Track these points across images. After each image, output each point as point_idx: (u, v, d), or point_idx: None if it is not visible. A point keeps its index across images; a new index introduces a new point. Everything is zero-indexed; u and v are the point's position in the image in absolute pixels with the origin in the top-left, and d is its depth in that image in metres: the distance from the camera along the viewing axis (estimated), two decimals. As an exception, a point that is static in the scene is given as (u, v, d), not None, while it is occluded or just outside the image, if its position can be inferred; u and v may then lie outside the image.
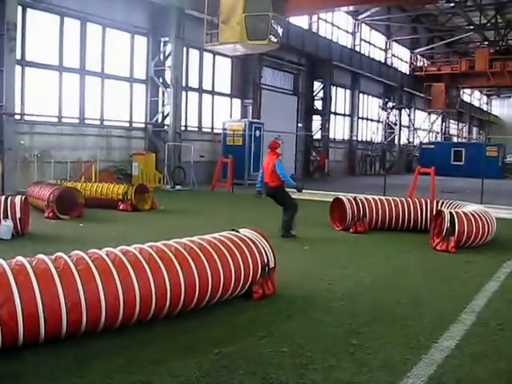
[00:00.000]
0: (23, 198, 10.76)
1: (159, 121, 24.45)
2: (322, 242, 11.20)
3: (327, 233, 12.25)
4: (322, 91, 36.28)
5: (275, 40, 22.69)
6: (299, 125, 34.49)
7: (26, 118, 19.32)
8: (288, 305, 6.41)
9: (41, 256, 5.01)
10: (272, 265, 6.62)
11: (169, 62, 24.00)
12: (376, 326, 5.74)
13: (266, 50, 24.43)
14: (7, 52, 17.53)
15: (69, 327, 4.74)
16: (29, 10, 19.18)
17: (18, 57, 18.51)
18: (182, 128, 25.07)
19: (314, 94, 36.33)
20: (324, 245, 10.85)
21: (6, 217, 10.16)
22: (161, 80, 24.18)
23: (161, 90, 24.38)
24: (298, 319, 5.92)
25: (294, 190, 12.14)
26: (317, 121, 36.38)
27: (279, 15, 22.34)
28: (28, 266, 4.68)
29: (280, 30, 23.07)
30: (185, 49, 24.97)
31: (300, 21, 32.46)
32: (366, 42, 42.63)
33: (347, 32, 39.87)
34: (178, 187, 22.55)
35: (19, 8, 18.30)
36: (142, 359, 4.66)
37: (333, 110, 38.54)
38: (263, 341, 5.17)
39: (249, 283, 6.36)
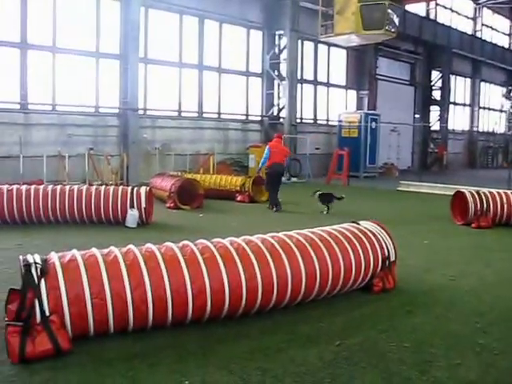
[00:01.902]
0: (148, 188, 11.27)
1: (275, 113, 24.67)
2: (443, 236, 10.80)
3: (448, 227, 11.80)
4: (440, 80, 34.99)
5: (392, 29, 22.17)
6: (416, 116, 33.50)
7: (149, 112, 20.21)
8: (409, 299, 6.26)
9: (168, 244, 5.22)
10: (393, 258, 6.49)
11: (284, 55, 24.13)
12: (504, 326, 5.45)
13: (382, 39, 23.89)
14: (132, 51, 18.44)
15: (194, 312, 4.91)
16: (150, 10, 20.00)
17: (141, 55, 19.36)
18: (298, 120, 25.15)
19: (432, 83, 35.10)
20: (444, 239, 10.46)
21: (132, 206, 10.69)
22: (276, 73, 24.36)
23: (276, 82, 24.57)
24: (420, 314, 5.76)
25: None
26: (435, 111, 35.14)
27: (395, 3, 21.80)
28: (157, 253, 4.90)
29: (396, 19, 22.51)
30: (299, 41, 25.00)
31: (417, 8, 31.45)
32: (487, 27, 40.53)
33: (467, 17, 38.16)
34: (293, 179, 22.65)
35: (142, 9, 19.14)
36: (264, 347, 4.73)
37: (452, 99, 37.01)
38: (384, 335, 5.09)
39: (369, 276, 6.28)
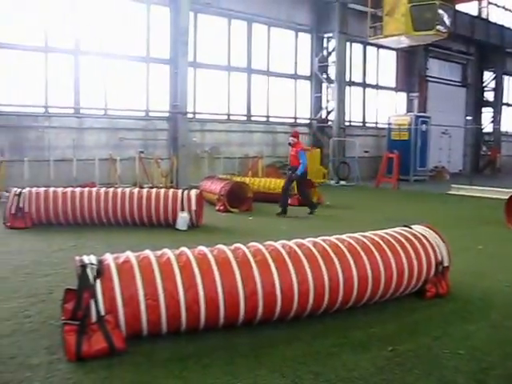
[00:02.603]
0: (198, 191, 11.38)
1: (323, 116, 24.57)
2: (497, 241, 10.51)
3: (502, 232, 11.48)
4: (493, 81, 34.18)
5: (443, 29, 21.83)
6: (468, 118, 32.79)
7: (198, 116, 20.41)
8: (463, 305, 6.12)
9: (220, 246, 5.26)
10: (446, 263, 6.36)
11: (332, 58, 24.04)
12: None
13: (432, 40, 23.56)
14: (181, 55, 18.68)
15: (246, 314, 4.92)
16: (199, 15, 20.22)
17: (191, 59, 19.58)
18: (346, 123, 24.97)
19: (484, 84, 34.33)
20: (499, 244, 10.18)
21: (182, 209, 10.81)
22: (324, 76, 24.28)
23: (324, 85, 24.47)
24: (475, 321, 5.61)
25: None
26: (487, 113, 34.34)
27: (446, 3, 21.46)
28: (210, 255, 4.94)
29: (447, 19, 22.16)
30: (348, 43, 24.84)
31: (468, 7, 30.82)
32: (543, 26, 39.30)
33: (521, 16, 37.11)
34: (342, 182, 22.51)
35: (191, 14, 19.36)
36: (315, 351, 4.70)
37: (505, 100, 36.04)
38: (438, 341, 4.99)
39: (422, 281, 6.17)
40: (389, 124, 26.17)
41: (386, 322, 5.52)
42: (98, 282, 4.49)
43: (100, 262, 4.64)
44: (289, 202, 13.54)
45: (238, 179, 15.63)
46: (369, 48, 26.76)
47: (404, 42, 22.86)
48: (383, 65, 27.98)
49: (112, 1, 17.82)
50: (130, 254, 4.89)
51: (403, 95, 29.36)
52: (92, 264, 4.56)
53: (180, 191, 11.20)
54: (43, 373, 4.19)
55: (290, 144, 13.89)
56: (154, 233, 10.39)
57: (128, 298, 4.52)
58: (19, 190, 10.78)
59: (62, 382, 4.04)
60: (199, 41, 20.31)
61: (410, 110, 28.73)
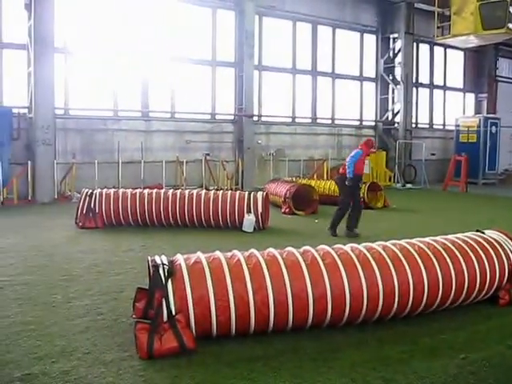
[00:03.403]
0: (265, 194, 11.42)
1: (389, 118, 24.21)
2: None
3: None
4: None
5: (514, 27, 21.10)
6: (541, 119, 31.56)
7: (263, 119, 20.51)
8: (539, 314, 5.92)
9: (290, 248, 5.26)
10: (521, 270, 6.15)
11: (398, 59, 23.65)
12: None
13: (502, 39, 22.72)
14: (247, 58, 18.82)
15: (314, 317, 4.91)
16: (264, 19, 20.31)
17: (256, 62, 19.70)
18: (413, 125, 24.53)
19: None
20: None
21: (249, 211, 10.88)
22: (390, 77, 23.91)
23: (391, 87, 24.11)
24: (552, 330, 5.41)
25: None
26: None
27: (518, 0, 20.73)
28: (279, 258, 4.95)
29: (518, 17, 21.42)
30: (414, 44, 24.37)
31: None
32: None
33: None
34: (408, 185, 22.09)
35: (256, 17, 19.48)
36: (385, 356, 4.65)
37: None
38: (512, 350, 4.84)
39: (494, 288, 5.98)
40: (457, 126, 25.49)
41: (457, 329, 5.39)
42: (170, 282, 4.57)
43: (171, 263, 4.73)
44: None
45: (304, 182, 15.59)
46: (436, 48, 26.16)
47: (473, 41, 22.20)
48: (451, 65, 27.30)
49: (179, 6, 18.11)
50: (200, 255, 4.96)
51: (471, 96, 28.56)
52: (164, 264, 4.65)
53: (246, 193, 11.27)
54: (116, 369, 4.32)
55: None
56: (220, 235, 10.49)
57: (198, 299, 4.58)
58: (90, 190, 11.13)
59: (133, 379, 4.15)
60: (264, 44, 20.39)
61: (478, 111, 27.92)
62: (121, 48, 17.00)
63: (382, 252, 5.28)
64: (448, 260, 5.51)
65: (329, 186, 15.36)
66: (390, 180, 22.17)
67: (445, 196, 19.72)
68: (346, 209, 10.58)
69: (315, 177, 18.99)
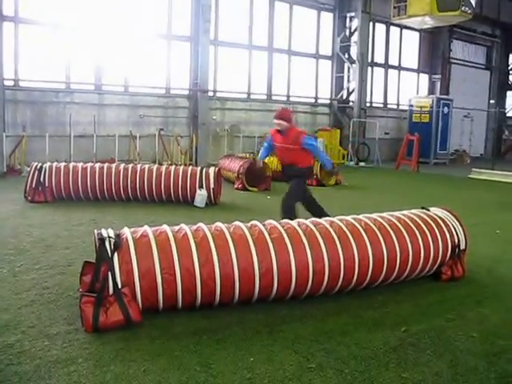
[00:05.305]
0: (217, 169, 11.42)
1: (344, 97, 24.40)
2: (516, 226, 10.43)
3: (521, 217, 11.38)
4: (518, 64, 33.56)
5: (468, 10, 21.47)
6: (491, 101, 32.30)
7: (218, 94, 20.38)
8: (478, 289, 6.11)
9: (237, 223, 5.29)
10: (463, 246, 6.34)
11: (355, 38, 23.77)
12: None
13: (457, 21, 23.17)
14: (202, 33, 18.61)
15: (260, 291, 4.97)
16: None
17: (212, 37, 19.50)
18: (367, 104, 24.78)
19: (510, 68, 33.69)
20: (519, 229, 10.10)
21: (200, 186, 10.87)
22: (346, 56, 24.05)
23: (346, 65, 24.26)
24: (489, 305, 5.59)
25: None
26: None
27: (472, -17, 21.10)
28: (226, 232, 4.98)
29: (473, 0, 21.80)
30: (371, 23, 24.52)
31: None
32: None
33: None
34: (361, 164, 22.41)
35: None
36: (328, 329, 4.75)
37: (531, 84, 35.42)
38: (451, 323, 5.00)
39: (438, 264, 6.16)
40: (410, 106, 25.89)
41: (400, 302, 5.53)
42: (116, 255, 4.55)
43: (118, 236, 4.70)
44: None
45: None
46: (392, 28, 26.39)
47: (428, 22, 22.52)
48: (406, 46, 27.61)
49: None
50: (147, 229, 4.95)
51: (426, 77, 29.01)
52: (110, 237, 4.62)
53: (199, 169, 11.25)
54: (61, 342, 4.29)
55: (279, 132, 8.08)
56: (172, 209, 10.46)
57: (145, 272, 4.58)
58: (40, 164, 10.91)
59: (78, 352, 4.13)
60: (220, 18, 20.17)
61: (432, 92, 28.39)
62: (74, 19, 16.55)
63: (329, 227, 5.36)
64: (393, 235, 5.63)
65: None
66: (343, 158, 22.41)
67: (396, 175, 20.08)
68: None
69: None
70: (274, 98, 22.22)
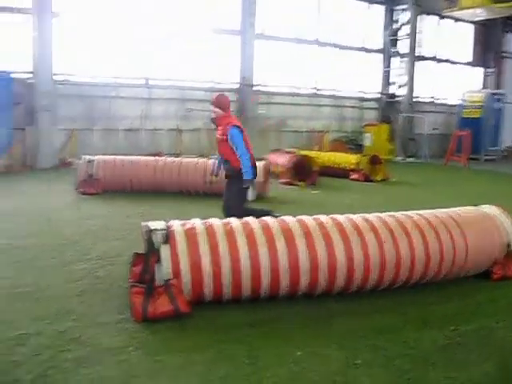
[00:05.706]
0: (265, 163, 11.41)
1: (393, 91, 24.02)
2: None
3: None
4: None
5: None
6: (547, 96, 31.27)
7: (266, 89, 20.34)
8: (531, 289, 5.96)
9: (286, 217, 5.32)
10: (516, 245, 6.18)
11: (404, 31, 23.33)
12: None
13: (510, 13, 22.46)
14: (248, 27, 18.61)
15: (308, 286, 5.00)
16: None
17: (259, 31, 19.49)
18: (417, 99, 24.34)
19: None
20: None
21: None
22: (396, 50, 23.64)
23: (393, 59, 23.85)
24: (544, 306, 5.46)
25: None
26: None
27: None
28: (274, 226, 5.00)
29: (529, -10, 21.14)
30: (422, 16, 24.01)
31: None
32: None
33: None
34: (409, 159, 22.06)
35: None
36: (376, 326, 4.73)
37: None
38: (501, 324, 4.90)
39: (489, 262, 6.02)
40: (463, 100, 25.21)
41: (449, 301, 5.45)
42: (165, 246, 4.61)
43: (167, 228, 4.76)
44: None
45: (304, 153, 15.56)
46: (443, 21, 25.77)
47: (481, 14, 21.94)
48: (458, 39, 26.91)
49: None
50: (196, 221, 4.99)
51: (479, 71, 28.26)
52: (160, 229, 4.68)
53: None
54: (110, 330, 4.39)
55: (212, 121, 7.18)
56: (220, 203, 10.49)
57: (193, 264, 4.63)
58: (90, 157, 11.14)
59: (128, 341, 4.22)
60: (269, 12, 20.09)
61: (485, 86, 27.65)
62: (124, 14, 16.79)
63: (378, 223, 5.31)
64: (444, 233, 5.53)
65: (329, 158, 15.37)
66: (391, 153, 22.09)
67: (446, 171, 19.68)
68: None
69: (316, 148, 18.92)
70: (321, 92, 22.04)
